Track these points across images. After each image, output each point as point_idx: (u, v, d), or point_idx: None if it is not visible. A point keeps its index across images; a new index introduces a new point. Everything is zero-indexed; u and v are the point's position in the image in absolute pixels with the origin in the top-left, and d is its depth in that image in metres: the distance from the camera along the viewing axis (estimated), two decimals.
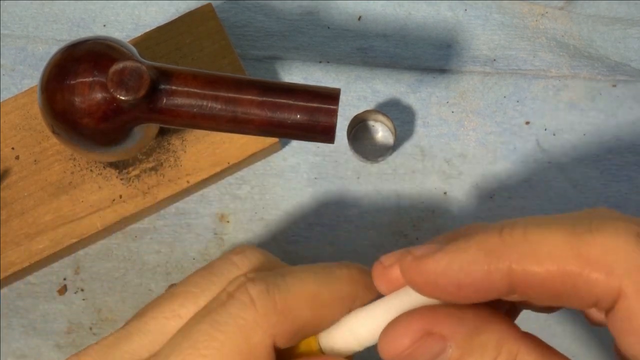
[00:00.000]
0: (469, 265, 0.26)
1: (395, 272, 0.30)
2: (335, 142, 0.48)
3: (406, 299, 0.30)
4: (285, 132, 0.36)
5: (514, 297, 0.27)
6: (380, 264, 0.30)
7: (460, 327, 0.27)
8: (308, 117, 0.36)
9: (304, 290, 0.32)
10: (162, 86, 0.36)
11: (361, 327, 0.31)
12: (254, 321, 0.31)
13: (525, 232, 0.26)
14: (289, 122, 0.36)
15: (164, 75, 0.37)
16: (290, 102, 0.36)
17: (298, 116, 0.36)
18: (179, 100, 0.36)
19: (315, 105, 0.36)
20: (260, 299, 0.31)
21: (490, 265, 0.26)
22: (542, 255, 0.25)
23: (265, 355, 0.31)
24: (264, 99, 0.36)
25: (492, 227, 0.27)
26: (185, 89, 0.36)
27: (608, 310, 0.25)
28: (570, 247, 0.25)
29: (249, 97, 0.36)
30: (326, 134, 0.36)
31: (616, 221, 0.25)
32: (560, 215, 0.27)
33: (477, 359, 0.27)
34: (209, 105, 0.36)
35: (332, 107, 0.36)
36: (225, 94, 0.36)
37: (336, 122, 0.36)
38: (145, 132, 0.40)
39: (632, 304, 0.24)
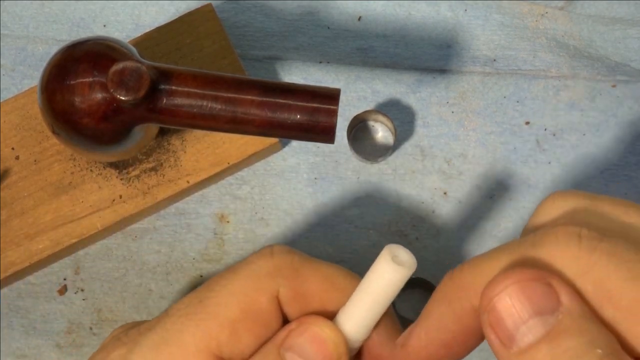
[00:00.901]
0: (440, 321, 0.27)
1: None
2: (335, 142, 0.48)
3: (376, 288, 0.30)
4: (285, 132, 0.36)
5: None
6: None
7: (580, 300, 0.25)
8: (308, 117, 0.36)
9: (323, 266, 0.32)
10: (162, 86, 0.36)
11: (347, 324, 0.31)
12: (266, 267, 0.31)
13: (472, 268, 0.26)
14: (289, 122, 0.36)
15: (164, 75, 0.37)
16: (290, 102, 0.36)
17: (298, 116, 0.36)
18: (179, 100, 0.36)
19: (315, 105, 0.36)
20: (279, 252, 0.32)
21: (455, 311, 0.26)
22: (478, 292, 0.26)
23: (270, 303, 0.31)
24: (264, 99, 0.36)
25: (442, 281, 0.27)
26: (185, 89, 0.36)
27: None
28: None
29: (249, 97, 0.36)
30: (326, 134, 0.36)
31: (556, 229, 0.25)
32: (506, 243, 0.27)
33: (585, 343, 0.24)
34: (209, 105, 0.36)
35: (332, 107, 0.36)
36: (225, 94, 0.36)
37: (336, 122, 0.36)
38: (145, 132, 0.40)
39: (594, 305, 0.24)
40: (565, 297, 0.24)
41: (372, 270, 0.30)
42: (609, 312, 0.24)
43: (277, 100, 0.36)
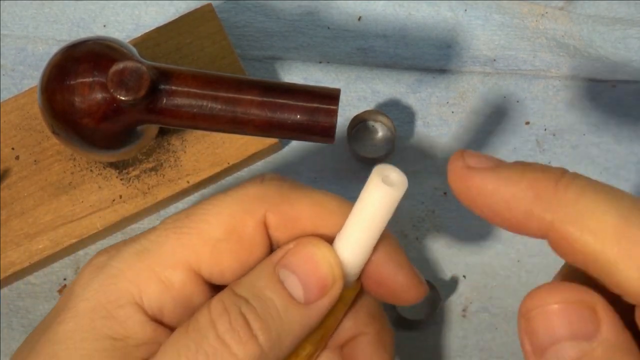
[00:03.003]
0: (514, 199, 0.25)
1: (480, 181, 0.27)
2: (335, 142, 0.48)
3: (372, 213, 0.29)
4: (285, 132, 0.36)
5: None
6: (464, 162, 0.27)
7: (619, 330, 0.25)
8: (308, 117, 0.36)
9: (313, 192, 0.32)
10: (162, 86, 0.36)
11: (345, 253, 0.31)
12: (255, 192, 0.31)
13: (579, 197, 0.25)
14: (289, 122, 0.36)
15: (164, 75, 0.37)
16: (290, 102, 0.36)
17: (298, 116, 0.36)
18: (179, 101, 0.36)
19: (315, 105, 0.36)
20: (270, 179, 0.31)
21: (533, 209, 0.25)
22: (586, 229, 0.24)
23: (256, 228, 0.31)
24: (264, 99, 0.36)
25: (550, 173, 0.25)
26: (185, 89, 0.36)
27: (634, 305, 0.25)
28: (615, 234, 0.24)
29: (249, 97, 0.36)
30: (326, 134, 0.36)
31: None
32: (621, 193, 0.25)
33: None
34: (209, 105, 0.36)
35: (332, 107, 0.36)
36: (225, 94, 0.36)
37: (336, 122, 0.36)
38: (145, 132, 0.40)
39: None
40: (605, 327, 0.24)
41: (363, 193, 0.30)
42: None
43: (277, 100, 0.36)
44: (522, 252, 0.47)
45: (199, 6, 0.47)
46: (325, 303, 0.30)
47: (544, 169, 0.26)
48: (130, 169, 0.46)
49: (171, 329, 0.30)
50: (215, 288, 0.31)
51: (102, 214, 0.45)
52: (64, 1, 0.50)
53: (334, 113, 0.36)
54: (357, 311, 0.33)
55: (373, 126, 0.48)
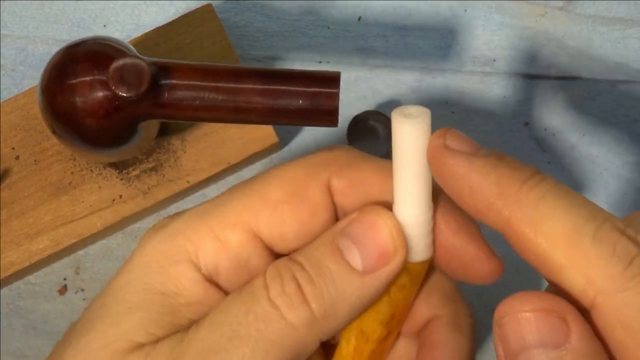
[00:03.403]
0: (479, 189, 0.26)
1: (456, 162, 0.28)
2: (335, 142, 0.48)
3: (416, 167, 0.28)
4: (288, 118, 0.36)
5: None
6: (443, 140, 0.28)
7: (589, 341, 0.25)
8: (310, 102, 0.35)
9: (381, 160, 0.31)
10: (163, 81, 0.36)
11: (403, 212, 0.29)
12: (321, 158, 0.31)
13: (539, 200, 0.25)
14: (291, 108, 0.36)
15: (164, 70, 0.37)
16: (291, 88, 0.35)
17: (300, 102, 0.35)
18: (180, 94, 0.36)
19: (316, 89, 0.35)
20: (338, 147, 0.31)
21: (495, 203, 0.26)
22: (540, 232, 0.25)
23: (319, 191, 0.30)
24: (265, 87, 0.36)
25: (520, 172, 0.26)
26: (186, 82, 0.36)
27: (585, 310, 0.25)
28: (565, 242, 0.25)
29: (250, 86, 0.36)
30: (329, 118, 0.36)
31: (618, 240, 0.24)
32: (583, 201, 0.26)
33: None
34: (211, 96, 0.36)
35: (333, 90, 0.35)
36: (226, 85, 0.36)
37: (338, 104, 0.35)
38: (145, 131, 0.40)
39: (605, 321, 0.24)
40: (574, 336, 0.24)
41: (393, 140, 0.28)
42: (619, 334, 0.24)
43: (278, 87, 0.36)
44: None
45: (199, 6, 0.47)
46: (385, 273, 0.29)
47: (515, 168, 0.26)
48: (130, 169, 0.46)
49: (225, 292, 0.30)
50: (276, 257, 0.30)
51: (102, 214, 0.45)
52: (64, 1, 0.50)
53: (336, 96, 0.35)
54: (430, 293, 0.32)
55: (373, 126, 0.48)
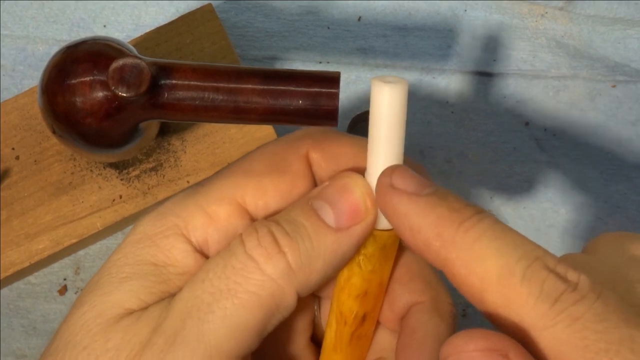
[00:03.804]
0: (419, 229, 0.27)
1: (400, 202, 0.29)
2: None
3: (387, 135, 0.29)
4: (289, 118, 0.36)
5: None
6: (390, 181, 0.29)
7: None
8: (310, 102, 0.36)
9: (356, 135, 0.33)
10: (163, 81, 0.36)
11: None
12: (299, 133, 0.33)
13: (474, 242, 0.26)
14: (291, 108, 0.36)
15: (164, 70, 0.37)
16: (291, 88, 0.36)
17: (300, 102, 0.36)
18: (180, 94, 0.36)
19: (316, 89, 0.36)
20: (314, 128, 0.33)
21: (433, 244, 0.27)
22: (473, 274, 0.26)
23: (298, 162, 0.32)
24: (265, 87, 0.36)
25: (458, 213, 0.27)
26: (186, 82, 0.36)
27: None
28: (496, 283, 0.26)
29: (250, 86, 0.36)
30: (329, 118, 0.36)
31: (547, 278, 0.25)
32: (519, 241, 0.27)
33: None
34: (211, 96, 0.36)
35: (333, 90, 0.36)
36: (226, 85, 0.36)
37: (338, 105, 0.36)
38: (146, 131, 0.40)
39: (544, 357, 0.25)
40: None
41: (371, 106, 0.29)
42: None
43: (278, 87, 0.36)
44: None
45: (199, 6, 0.47)
46: (357, 231, 0.30)
47: (455, 209, 0.27)
48: (130, 169, 0.46)
49: None
50: None
51: (102, 214, 0.45)
52: (64, 1, 0.50)
53: (336, 96, 0.36)
54: (411, 280, 0.33)
55: None
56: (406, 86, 0.29)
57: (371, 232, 0.30)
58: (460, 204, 0.27)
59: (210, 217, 0.31)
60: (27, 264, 0.44)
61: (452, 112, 0.49)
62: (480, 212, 0.27)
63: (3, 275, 0.44)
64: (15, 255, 0.44)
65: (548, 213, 0.48)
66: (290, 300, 0.29)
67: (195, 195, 0.32)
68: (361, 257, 0.31)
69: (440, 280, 0.34)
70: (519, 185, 0.48)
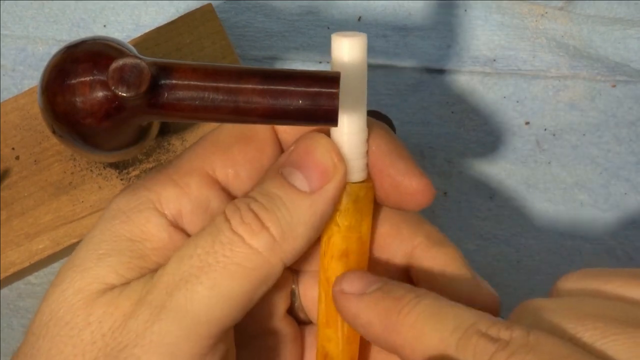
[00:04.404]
0: (369, 324, 0.30)
1: (356, 306, 0.31)
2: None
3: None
4: (289, 118, 0.36)
5: None
6: (340, 287, 0.31)
7: None
8: (310, 102, 0.36)
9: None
10: (163, 81, 0.36)
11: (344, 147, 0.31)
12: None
13: (414, 324, 0.28)
14: (291, 108, 0.36)
15: (164, 70, 0.37)
16: (291, 88, 0.36)
17: (300, 102, 0.36)
18: (181, 94, 0.36)
19: (316, 89, 0.36)
20: None
21: (382, 335, 0.29)
22: (418, 354, 0.28)
23: (264, 129, 0.33)
24: (265, 87, 0.36)
25: (399, 300, 0.29)
26: (186, 82, 0.36)
27: None
28: (437, 357, 0.27)
29: (250, 86, 0.36)
30: (329, 118, 0.36)
31: (478, 340, 0.27)
32: (451, 313, 0.28)
33: None
34: (211, 96, 0.36)
35: (333, 90, 0.36)
36: (226, 85, 0.36)
37: (338, 105, 0.36)
38: (146, 130, 0.40)
39: None
40: None
41: (332, 61, 0.30)
42: None
43: (278, 87, 0.36)
44: (522, 252, 0.47)
45: (199, 6, 0.47)
46: (330, 189, 0.31)
47: (397, 297, 0.29)
48: (130, 169, 0.46)
49: (190, 236, 0.31)
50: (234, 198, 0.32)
51: (102, 214, 0.45)
52: (64, 1, 0.50)
53: (336, 96, 0.36)
54: (397, 228, 0.34)
55: None
56: (365, 38, 0.30)
57: (344, 187, 0.31)
58: (402, 291, 0.29)
59: (181, 188, 0.31)
60: (27, 264, 0.44)
61: (452, 112, 0.49)
62: (420, 295, 0.29)
63: (3, 275, 0.44)
64: (15, 255, 0.44)
65: (548, 213, 0.48)
66: (276, 270, 0.30)
67: (167, 168, 0.32)
68: (337, 214, 0.32)
69: (424, 218, 0.35)
70: (519, 185, 0.48)
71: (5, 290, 0.46)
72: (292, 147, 0.32)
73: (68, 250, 0.45)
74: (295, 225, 0.30)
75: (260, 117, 0.36)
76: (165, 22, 0.48)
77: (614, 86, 0.49)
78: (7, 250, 0.44)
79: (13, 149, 0.45)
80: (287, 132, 0.33)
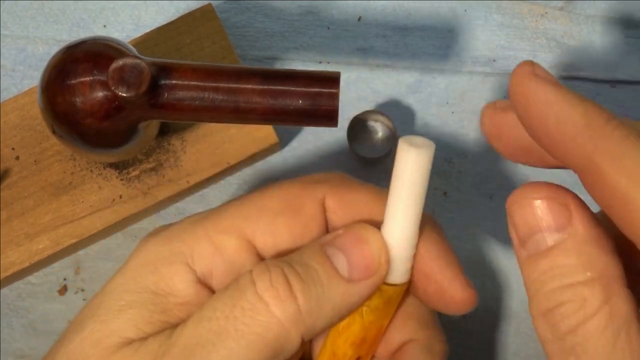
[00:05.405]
0: (567, 117, 0.26)
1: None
2: (335, 142, 0.48)
3: (408, 191, 0.30)
4: (289, 118, 0.36)
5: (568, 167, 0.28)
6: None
7: (590, 227, 0.26)
8: (310, 102, 0.36)
9: (373, 186, 0.33)
10: (163, 81, 0.36)
11: (392, 236, 0.31)
12: (317, 176, 0.33)
13: (624, 139, 0.25)
14: (291, 108, 0.36)
15: (164, 70, 0.37)
16: (291, 88, 0.36)
17: (300, 102, 0.36)
18: (181, 94, 0.36)
19: (316, 90, 0.36)
20: (333, 172, 0.34)
21: (580, 134, 0.26)
22: (622, 169, 0.25)
23: (313, 206, 0.32)
24: (265, 87, 0.36)
25: (605, 111, 0.26)
26: (186, 82, 0.36)
27: None
28: None
29: (250, 86, 0.36)
30: (329, 118, 0.36)
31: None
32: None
33: (579, 265, 0.26)
34: (211, 97, 0.36)
35: (333, 90, 0.36)
36: (226, 85, 0.36)
37: (338, 105, 0.36)
38: (145, 132, 0.40)
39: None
40: (576, 221, 0.26)
41: (395, 165, 0.30)
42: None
43: (278, 87, 0.36)
44: None
45: (199, 6, 0.47)
46: (368, 284, 0.30)
47: (600, 107, 0.26)
48: (130, 169, 0.46)
49: None
50: None
51: (102, 214, 0.45)
52: (64, 1, 0.50)
53: (336, 96, 0.36)
54: (407, 319, 0.33)
55: (373, 126, 0.48)
56: (432, 151, 0.29)
57: (380, 286, 0.30)
58: (599, 105, 0.26)
59: (216, 247, 0.31)
60: (27, 264, 0.44)
61: (452, 112, 0.49)
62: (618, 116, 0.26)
63: (3, 275, 0.44)
64: (15, 255, 0.44)
65: None
66: (295, 344, 0.29)
67: (204, 222, 0.31)
68: (364, 308, 0.31)
69: (437, 319, 0.34)
70: (519, 185, 0.48)
71: (5, 290, 0.46)
72: (341, 230, 0.31)
73: (68, 250, 0.45)
74: (324, 304, 0.29)
75: (260, 117, 0.36)
76: (165, 22, 0.48)
77: (614, 86, 0.49)
78: (7, 250, 0.44)
79: (13, 149, 0.45)
80: (337, 213, 0.32)
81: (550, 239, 0.26)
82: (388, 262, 0.30)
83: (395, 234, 0.30)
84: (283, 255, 0.31)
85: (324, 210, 0.32)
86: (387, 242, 0.30)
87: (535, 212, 0.27)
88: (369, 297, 0.30)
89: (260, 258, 0.31)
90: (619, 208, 0.25)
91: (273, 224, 0.31)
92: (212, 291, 0.31)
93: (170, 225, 0.32)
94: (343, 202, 0.32)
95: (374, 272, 0.30)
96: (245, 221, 0.31)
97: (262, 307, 0.28)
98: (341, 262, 0.30)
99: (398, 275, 0.31)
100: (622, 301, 0.26)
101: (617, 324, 0.25)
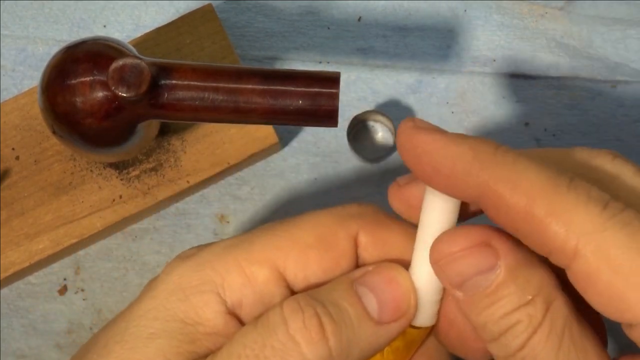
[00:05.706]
0: (457, 157, 0.27)
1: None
2: (335, 142, 0.48)
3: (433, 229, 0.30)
4: (289, 118, 0.36)
5: (473, 207, 0.30)
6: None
7: (516, 252, 0.28)
8: (310, 102, 0.36)
9: (407, 223, 0.33)
10: (163, 81, 0.36)
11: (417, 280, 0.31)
12: (352, 210, 0.33)
13: (515, 161, 0.27)
14: (291, 108, 0.36)
15: (164, 70, 0.37)
16: (291, 88, 0.36)
17: (300, 102, 0.36)
18: (181, 94, 0.36)
19: (316, 90, 0.36)
20: (367, 204, 0.33)
21: (472, 168, 0.27)
22: (518, 188, 0.26)
23: (346, 241, 0.32)
24: (265, 87, 0.36)
25: (491, 142, 0.28)
26: (186, 82, 0.36)
27: (567, 265, 0.27)
28: (544, 193, 0.26)
29: (250, 86, 0.36)
30: (329, 118, 0.36)
31: (591, 188, 0.26)
32: (555, 153, 0.28)
33: (518, 290, 0.27)
34: (211, 97, 0.36)
35: (333, 90, 0.36)
36: (226, 85, 0.36)
37: (338, 105, 0.36)
38: (145, 132, 0.40)
39: (590, 265, 0.26)
40: (502, 253, 0.27)
41: (423, 211, 0.30)
42: (605, 275, 0.25)
43: (278, 87, 0.36)
44: None
45: (199, 6, 0.47)
46: (396, 327, 0.30)
47: (486, 139, 0.28)
48: (130, 169, 0.46)
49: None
50: None
51: (102, 214, 0.45)
52: (64, 1, 0.50)
53: (336, 96, 0.36)
54: (426, 359, 0.33)
55: (373, 126, 0.48)
56: (458, 205, 0.30)
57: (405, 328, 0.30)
58: (483, 138, 0.28)
59: (248, 278, 0.30)
60: (27, 264, 0.44)
61: (452, 112, 0.49)
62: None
63: (3, 275, 0.44)
64: (15, 255, 0.44)
65: None
66: None
67: (236, 250, 0.31)
68: (386, 349, 0.31)
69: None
70: None
71: (5, 290, 0.46)
72: (371, 267, 0.31)
73: (68, 250, 0.45)
74: (353, 346, 0.29)
75: (261, 117, 0.36)
76: (165, 22, 0.48)
77: (614, 86, 0.49)
78: (7, 250, 0.44)
79: (13, 149, 0.45)
80: (368, 250, 0.32)
81: (485, 280, 0.27)
82: (416, 305, 0.30)
83: (422, 277, 0.30)
84: (312, 288, 0.31)
85: (355, 245, 0.32)
86: (415, 285, 0.30)
87: (461, 265, 0.28)
88: (394, 339, 0.30)
89: (290, 290, 0.31)
90: (524, 227, 0.27)
91: (305, 256, 0.31)
92: (240, 322, 0.30)
93: (199, 249, 0.32)
94: (376, 240, 0.31)
95: (403, 315, 0.30)
96: (277, 252, 0.31)
97: (294, 347, 0.28)
98: (371, 303, 0.30)
99: (424, 318, 0.31)
100: (560, 304, 0.27)
101: (559, 327, 0.26)
